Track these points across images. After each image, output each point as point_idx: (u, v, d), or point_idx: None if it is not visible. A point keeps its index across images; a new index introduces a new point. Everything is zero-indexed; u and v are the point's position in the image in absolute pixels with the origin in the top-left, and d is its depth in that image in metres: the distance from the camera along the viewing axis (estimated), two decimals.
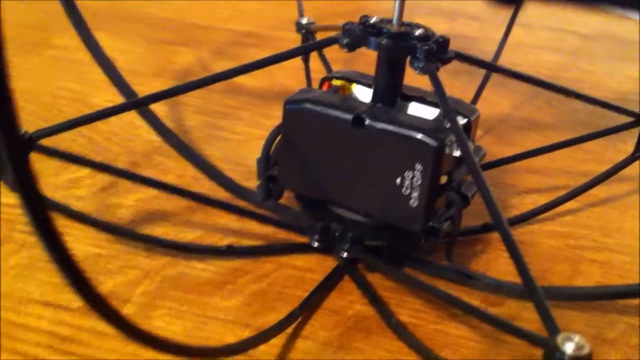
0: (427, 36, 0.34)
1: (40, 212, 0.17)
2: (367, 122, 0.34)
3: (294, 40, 0.48)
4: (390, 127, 0.34)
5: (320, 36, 0.47)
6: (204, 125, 0.51)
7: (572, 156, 0.51)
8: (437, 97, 0.33)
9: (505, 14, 0.56)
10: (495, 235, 0.40)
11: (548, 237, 0.42)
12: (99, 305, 0.19)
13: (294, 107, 0.36)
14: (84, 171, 0.43)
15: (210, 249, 0.38)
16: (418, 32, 0.34)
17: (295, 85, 0.52)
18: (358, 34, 0.35)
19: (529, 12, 0.74)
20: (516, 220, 0.43)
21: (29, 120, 0.49)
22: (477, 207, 0.37)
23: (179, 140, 0.46)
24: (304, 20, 0.50)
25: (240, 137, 0.50)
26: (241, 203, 0.42)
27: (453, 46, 0.35)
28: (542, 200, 0.45)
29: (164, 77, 0.58)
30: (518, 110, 0.58)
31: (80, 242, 0.37)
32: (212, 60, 0.63)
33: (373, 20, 0.35)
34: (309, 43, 0.48)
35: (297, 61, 0.47)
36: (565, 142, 0.43)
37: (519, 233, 0.42)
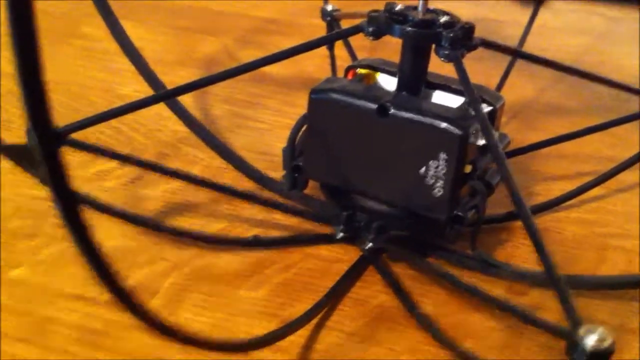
0: (453, 23, 0.34)
1: (71, 206, 0.18)
2: (391, 111, 0.35)
3: (319, 26, 0.49)
4: (414, 116, 0.34)
5: (345, 23, 0.47)
6: (230, 115, 0.52)
7: (599, 140, 0.50)
8: (462, 85, 0.33)
9: None
10: (519, 224, 0.40)
11: (574, 224, 0.42)
12: (126, 298, 0.20)
13: (319, 96, 0.36)
14: (112, 163, 0.43)
15: (237, 240, 0.39)
16: (443, 19, 0.34)
17: (320, 73, 0.53)
18: (383, 22, 0.35)
19: None
20: (542, 208, 0.43)
21: (60, 111, 0.49)
22: (501, 196, 0.37)
23: (206, 130, 0.47)
24: (329, 7, 0.50)
25: (265, 126, 0.51)
26: (266, 194, 0.42)
27: (478, 31, 0.35)
28: (568, 186, 0.44)
29: (190, 66, 0.58)
30: (543, 96, 0.58)
31: (109, 234, 0.38)
32: (236, 48, 0.63)
33: (398, 7, 0.35)
34: (334, 32, 0.48)
35: (323, 49, 0.47)
36: (590, 129, 0.43)
37: (545, 220, 0.42)
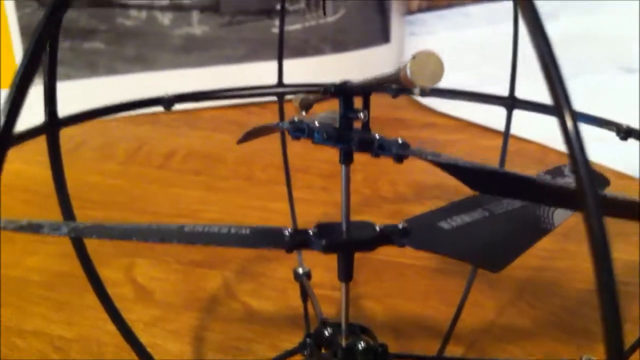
0: (369, 348, 0.42)
1: None
2: None
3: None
4: None
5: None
6: None
7: None
8: None
9: None
10: None
11: None
12: None
13: None
14: None
15: None
16: (362, 345, 0.42)
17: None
18: (316, 354, 0.43)
19: None
20: None
21: None
22: None
23: None
24: (300, 270, 0.60)
25: None
26: None
27: None
28: None
29: (194, 310, 0.67)
30: (501, 316, 0.65)
31: None
32: (236, 282, 0.71)
33: (327, 333, 0.43)
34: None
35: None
36: None
37: None
